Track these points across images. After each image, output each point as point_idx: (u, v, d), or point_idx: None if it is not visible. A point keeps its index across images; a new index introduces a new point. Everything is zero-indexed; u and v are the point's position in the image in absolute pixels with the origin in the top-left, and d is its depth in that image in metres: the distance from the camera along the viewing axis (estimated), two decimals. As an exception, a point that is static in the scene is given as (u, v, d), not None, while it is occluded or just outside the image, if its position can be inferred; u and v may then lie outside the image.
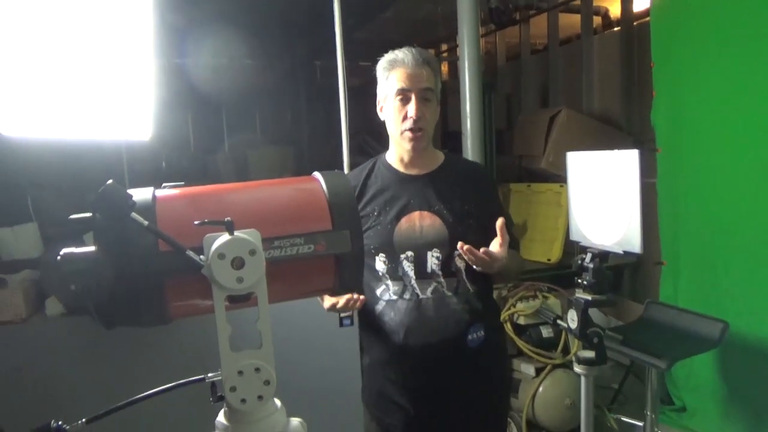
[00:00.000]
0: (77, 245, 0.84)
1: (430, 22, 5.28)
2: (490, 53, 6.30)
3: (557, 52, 5.02)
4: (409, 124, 1.47)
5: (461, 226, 1.50)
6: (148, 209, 0.84)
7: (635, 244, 1.52)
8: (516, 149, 4.56)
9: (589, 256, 1.63)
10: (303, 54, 6.23)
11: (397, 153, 1.56)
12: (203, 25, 4.73)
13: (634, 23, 4.28)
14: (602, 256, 1.61)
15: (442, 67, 7.78)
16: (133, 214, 0.80)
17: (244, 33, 5.06)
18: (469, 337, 1.49)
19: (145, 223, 0.80)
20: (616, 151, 1.58)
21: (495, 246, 1.42)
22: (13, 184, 2.41)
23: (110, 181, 0.80)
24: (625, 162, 1.55)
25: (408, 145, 1.50)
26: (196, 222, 0.81)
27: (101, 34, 1.90)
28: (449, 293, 1.48)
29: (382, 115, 1.56)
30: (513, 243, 1.62)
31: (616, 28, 4.61)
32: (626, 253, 1.56)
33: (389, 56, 1.51)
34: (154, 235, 0.81)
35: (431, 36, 6.58)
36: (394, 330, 1.48)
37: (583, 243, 1.69)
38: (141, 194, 0.85)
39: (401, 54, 1.49)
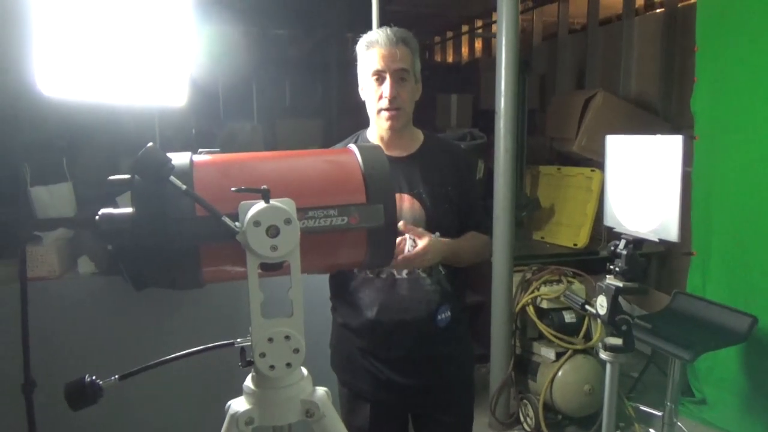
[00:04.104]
0: (111, 206, 0.85)
1: (466, -5, 5.16)
2: (526, 31, 6.15)
3: (596, 32, 4.88)
4: (384, 103, 1.49)
5: (439, 209, 1.52)
6: (186, 174, 0.84)
7: (672, 233, 1.48)
8: (548, 131, 4.47)
9: (622, 242, 1.60)
10: (335, 25, 6.16)
11: (378, 133, 1.58)
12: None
13: (678, 5, 4.13)
14: (636, 243, 1.58)
15: (476, 43, 7.64)
16: (172, 178, 0.80)
17: (277, 2, 5.01)
18: (439, 317, 1.53)
19: (183, 187, 0.80)
20: (658, 136, 1.54)
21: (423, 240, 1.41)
22: (50, 144, 2.45)
23: (150, 144, 0.80)
24: (668, 148, 1.51)
25: (385, 124, 1.52)
26: (233, 188, 0.81)
27: (142, 2, 1.92)
28: (423, 274, 1.52)
29: (362, 95, 1.58)
30: (481, 224, 1.64)
31: (658, 10, 4.45)
32: (661, 242, 1.53)
33: (366, 36, 1.52)
34: (191, 199, 0.81)
35: (466, 9, 6.44)
36: (368, 305, 1.53)
37: (618, 229, 1.66)
38: (179, 159, 0.86)
39: (376, 34, 1.50)
